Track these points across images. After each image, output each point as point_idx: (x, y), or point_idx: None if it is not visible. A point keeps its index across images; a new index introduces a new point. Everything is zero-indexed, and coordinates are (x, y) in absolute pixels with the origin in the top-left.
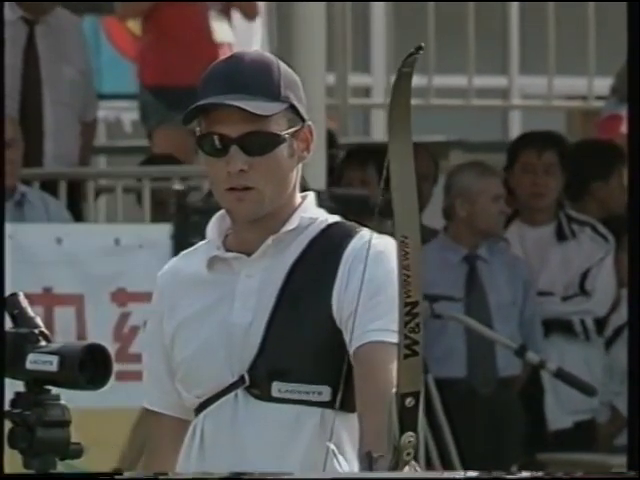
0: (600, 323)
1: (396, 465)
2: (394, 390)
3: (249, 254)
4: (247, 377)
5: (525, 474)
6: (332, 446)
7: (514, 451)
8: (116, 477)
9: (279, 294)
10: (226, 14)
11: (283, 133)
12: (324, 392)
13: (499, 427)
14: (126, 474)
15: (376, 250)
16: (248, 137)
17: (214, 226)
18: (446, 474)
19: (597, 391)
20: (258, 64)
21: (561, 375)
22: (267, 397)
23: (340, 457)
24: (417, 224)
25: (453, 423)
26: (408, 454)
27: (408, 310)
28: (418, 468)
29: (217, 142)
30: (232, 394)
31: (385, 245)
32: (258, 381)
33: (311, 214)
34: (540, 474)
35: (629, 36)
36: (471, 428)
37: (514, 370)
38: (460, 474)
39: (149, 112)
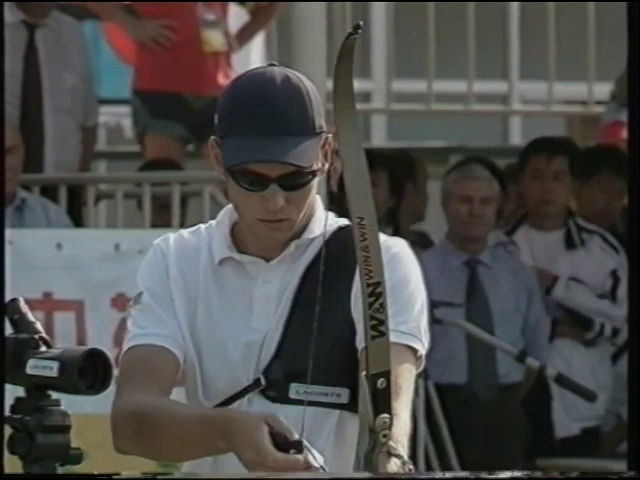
0: (615, 333)
1: (373, 447)
2: (364, 373)
3: (266, 258)
4: (263, 379)
5: (518, 474)
6: (305, 442)
7: (515, 457)
8: (114, 477)
9: (295, 297)
10: (222, 22)
11: (319, 167)
12: (342, 394)
13: (500, 433)
14: (124, 474)
15: (391, 252)
16: (288, 176)
17: (225, 219)
18: (439, 474)
19: (597, 396)
20: (292, 94)
21: (561, 380)
22: (284, 399)
23: (314, 451)
24: (371, 204)
25: (453, 429)
26: (384, 436)
27: (371, 291)
28: (411, 466)
29: (255, 181)
30: (245, 398)
31: (399, 246)
32: (275, 383)
33: (330, 221)
34: (537, 474)
35: (629, 41)
36: (472, 434)
37: (516, 376)
38: (445, 474)
39: (136, 117)
